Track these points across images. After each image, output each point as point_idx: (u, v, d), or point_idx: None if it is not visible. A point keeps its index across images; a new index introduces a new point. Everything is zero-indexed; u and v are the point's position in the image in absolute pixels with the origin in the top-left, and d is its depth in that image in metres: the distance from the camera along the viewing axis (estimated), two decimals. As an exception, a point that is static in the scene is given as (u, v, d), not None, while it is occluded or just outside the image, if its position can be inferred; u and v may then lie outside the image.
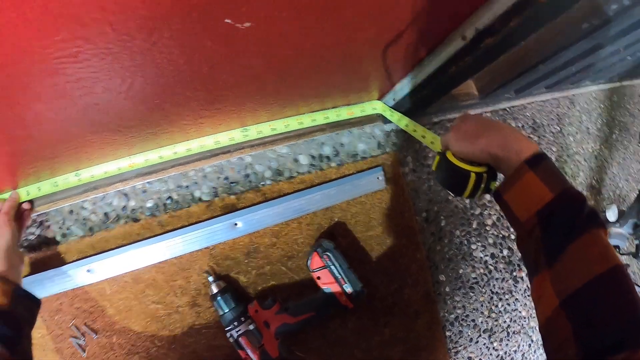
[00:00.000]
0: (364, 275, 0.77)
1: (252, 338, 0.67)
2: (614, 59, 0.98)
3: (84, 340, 0.74)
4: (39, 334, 0.74)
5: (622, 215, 1.03)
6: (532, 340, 0.97)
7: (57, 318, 0.74)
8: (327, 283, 0.69)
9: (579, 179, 1.12)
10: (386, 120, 0.80)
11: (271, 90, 0.63)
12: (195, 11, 0.37)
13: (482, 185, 0.49)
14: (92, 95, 0.47)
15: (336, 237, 0.76)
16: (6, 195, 0.67)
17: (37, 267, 0.73)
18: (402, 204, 0.80)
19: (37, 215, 0.75)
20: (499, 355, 0.92)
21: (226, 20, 0.40)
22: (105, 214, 0.74)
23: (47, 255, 0.73)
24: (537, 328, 0.99)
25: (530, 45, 0.84)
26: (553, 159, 1.06)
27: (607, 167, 1.21)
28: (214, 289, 0.69)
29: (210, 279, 0.70)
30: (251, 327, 0.68)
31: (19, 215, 0.67)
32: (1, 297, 0.53)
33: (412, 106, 0.78)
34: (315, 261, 0.70)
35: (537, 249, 0.40)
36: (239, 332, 0.67)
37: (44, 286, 0.70)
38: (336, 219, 0.76)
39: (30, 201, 0.70)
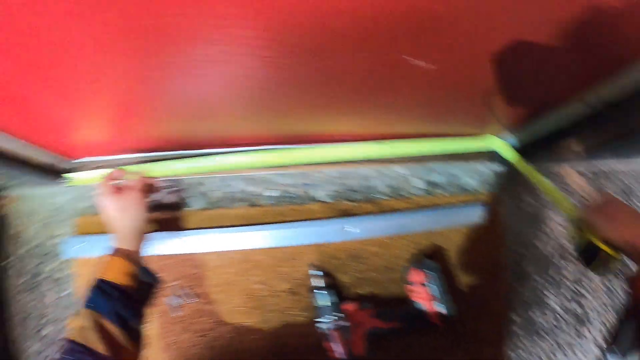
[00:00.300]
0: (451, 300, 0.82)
1: (342, 334, 0.73)
2: None
3: (180, 301, 0.81)
4: None
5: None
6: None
7: (160, 275, 0.81)
8: (422, 299, 0.75)
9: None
10: (497, 160, 0.85)
11: (412, 117, 0.69)
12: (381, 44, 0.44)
13: (610, 266, 0.54)
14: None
15: (432, 258, 0.81)
16: (134, 169, 0.69)
17: (156, 225, 0.80)
18: (495, 241, 0.85)
19: (169, 179, 0.82)
20: (548, 404, 0.95)
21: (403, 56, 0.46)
22: (230, 193, 0.81)
23: (167, 217, 0.80)
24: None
25: None
26: None
27: None
28: (317, 282, 0.75)
29: (315, 272, 0.76)
30: (344, 323, 0.74)
31: (149, 190, 0.68)
32: (128, 278, 0.55)
33: (522, 153, 0.82)
34: (416, 276, 0.75)
35: None
36: (332, 326, 0.73)
37: (157, 245, 0.76)
38: (437, 242, 0.81)
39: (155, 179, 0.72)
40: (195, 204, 0.82)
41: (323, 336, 0.75)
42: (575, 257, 0.83)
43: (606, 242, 0.54)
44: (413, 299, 0.76)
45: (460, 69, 0.55)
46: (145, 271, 0.60)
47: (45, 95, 0.55)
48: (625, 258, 0.54)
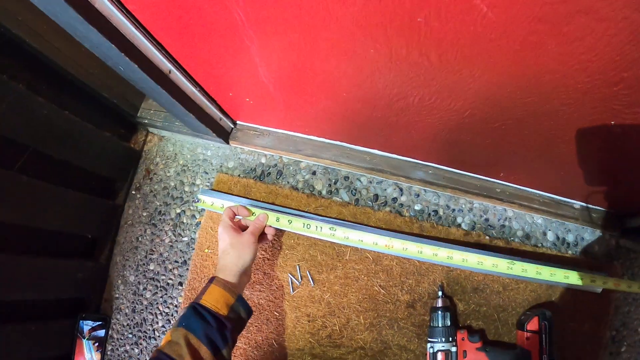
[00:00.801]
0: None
1: (449, 358, 0.75)
2: None
3: (299, 282, 0.83)
4: (261, 255, 0.84)
5: None
6: None
7: (287, 253, 0.84)
8: (531, 346, 0.76)
9: None
10: (627, 236, 0.88)
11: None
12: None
13: None
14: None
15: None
16: (254, 216, 0.76)
17: (294, 204, 0.83)
18: (603, 315, 0.87)
19: (318, 165, 0.85)
20: None
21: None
22: (376, 195, 0.84)
23: (309, 200, 0.83)
24: None
25: None
26: None
27: None
28: (440, 303, 0.77)
29: (440, 293, 0.78)
30: (452, 349, 0.76)
31: (262, 237, 0.75)
32: (223, 306, 0.60)
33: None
34: (533, 324, 0.77)
35: None
36: (440, 348, 0.75)
37: (293, 222, 0.79)
38: (552, 297, 0.83)
39: (271, 228, 0.78)
40: (338, 195, 0.84)
41: (428, 355, 0.76)
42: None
43: None
44: (523, 346, 0.78)
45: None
46: (241, 303, 0.64)
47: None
48: None
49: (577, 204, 0.85)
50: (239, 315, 0.63)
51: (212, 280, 0.63)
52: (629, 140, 0.54)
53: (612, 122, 0.51)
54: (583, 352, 0.85)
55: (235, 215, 0.75)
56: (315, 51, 0.53)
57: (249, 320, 0.82)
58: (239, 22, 0.50)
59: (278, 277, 0.84)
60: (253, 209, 0.77)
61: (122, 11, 0.53)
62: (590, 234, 0.87)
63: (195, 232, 0.87)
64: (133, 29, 0.56)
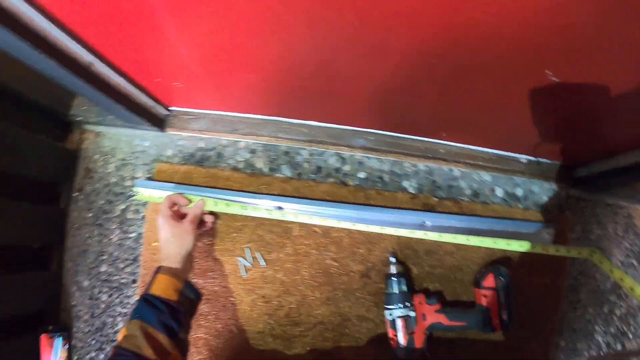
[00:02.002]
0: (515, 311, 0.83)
1: (408, 323, 0.74)
2: None
3: (250, 264, 0.82)
4: (209, 241, 0.83)
5: None
6: None
7: (235, 236, 0.83)
8: (489, 303, 0.76)
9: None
10: (574, 186, 0.88)
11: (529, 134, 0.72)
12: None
13: None
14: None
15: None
16: (195, 201, 0.76)
17: (236, 186, 0.81)
18: (560, 264, 0.86)
19: (256, 143, 0.84)
20: None
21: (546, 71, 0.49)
22: (318, 167, 0.82)
23: (250, 179, 0.82)
24: None
25: None
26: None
27: None
28: (393, 269, 0.77)
29: (393, 259, 0.77)
30: (412, 314, 0.75)
31: (202, 223, 0.76)
32: (171, 293, 0.62)
33: (597, 183, 0.85)
34: (489, 280, 0.76)
35: None
36: (398, 315, 0.74)
37: (238, 205, 0.79)
38: (507, 253, 0.83)
39: (214, 214, 0.79)
40: (280, 171, 0.83)
41: (387, 323, 0.75)
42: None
43: None
44: (481, 303, 0.77)
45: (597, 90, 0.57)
46: (189, 287, 0.66)
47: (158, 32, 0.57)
48: None
49: (524, 157, 0.85)
50: (189, 298, 0.65)
51: (158, 270, 0.64)
52: (566, 89, 0.54)
53: (548, 71, 0.51)
54: (543, 304, 0.85)
55: (175, 204, 0.74)
56: (233, 25, 0.51)
57: (207, 309, 0.81)
58: (151, 3, 0.49)
59: (229, 262, 0.82)
60: (191, 196, 0.76)
61: (33, 6, 0.51)
62: (539, 187, 0.86)
63: (141, 227, 0.85)
64: (46, 23, 0.54)
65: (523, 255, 0.84)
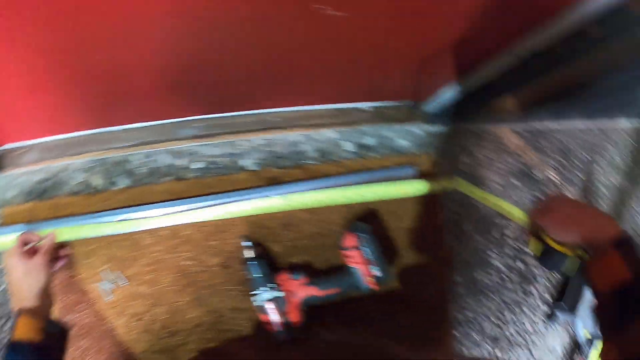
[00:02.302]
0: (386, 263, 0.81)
1: (278, 305, 0.71)
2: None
3: (112, 285, 0.78)
4: (69, 274, 0.78)
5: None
6: (531, 356, 1.00)
7: (90, 261, 0.78)
8: (356, 263, 0.73)
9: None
10: (429, 122, 0.85)
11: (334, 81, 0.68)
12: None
13: (572, 265, 0.55)
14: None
15: (368, 223, 0.79)
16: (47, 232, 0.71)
17: (79, 210, 0.77)
18: (433, 203, 0.84)
19: (87, 161, 0.79)
20: (499, 363, 0.95)
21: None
22: (153, 169, 0.78)
23: (90, 200, 0.77)
24: (539, 344, 1.00)
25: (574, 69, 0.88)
26: (577, 184, 1.09)
27: (629, 204, 1.24)
28: (248, 254, 0.73)
29: (246, 243, 0.74)
30: (278, 294, 0.71)
31: (56, 256, 0.72)
32: (34, 333, 0.59)
33: (452, 112, 0.82)
34: (350, 240, 0.74)
35: (611, 319, 0.46)
36: (266, 298, 0.71)
37: (83, 229, 0.74)
38: (370, 205, 0.80)
39: (67, 245, 0.75)
40: (120, 183, 0.78)
41: (259, 308, 0.72)
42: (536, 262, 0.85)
43: (561, 243, 0.55)
44: (348, 264, 0.74)
45: (378, 19, 0.53)
46: (52, 323, 0.63)
47: None
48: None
49: (366, 105, 0.81)
50: (55, 333, 0.63)
51: (18, 313, 0.62)
52: (343, 22, 0.49)
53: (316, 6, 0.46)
54: (427, 246, 0.83)
55: (26, 243, 0.70)
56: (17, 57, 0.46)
57: (87, 344, 0.77)
58: None
59: (93, 290, 0.78)
60: (43, 232, 0.72)
61: None
62: (391, 131, 0.83)
63: (2, 278, 0.80)
64: None
65: (389, 203, 0.81)
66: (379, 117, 0.81)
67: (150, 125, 0.76)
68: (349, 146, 0.80)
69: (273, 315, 0.71)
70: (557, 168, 1.05)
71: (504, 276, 0.94)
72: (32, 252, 0.69)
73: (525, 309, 0.98)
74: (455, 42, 0.62)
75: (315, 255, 0.77)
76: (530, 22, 0.57)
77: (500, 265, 0.94)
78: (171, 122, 0.76)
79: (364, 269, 0.74)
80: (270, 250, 0.76)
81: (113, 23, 0.45)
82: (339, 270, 0.76)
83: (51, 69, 0.53)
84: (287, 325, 0.72)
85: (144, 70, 0.58)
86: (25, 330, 0.59)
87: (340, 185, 0.77)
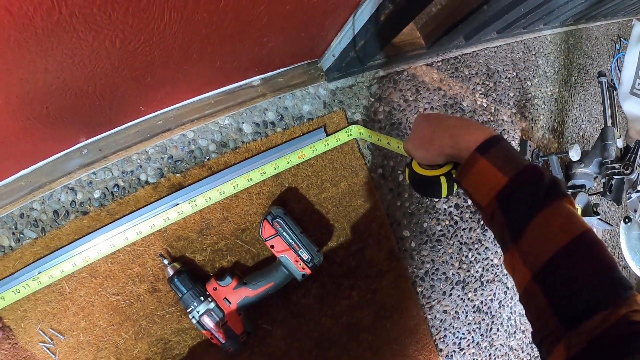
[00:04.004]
0: (321, 239, 0.76)
1: (214, 316, 0.66)
2: (565, 1, 0.97)
3: (52, 343, 0.72)
4: (9, 344, 0.73)
5: (586, 155, 1.04)
6: (507, 288, 0.98)
7: (24, 325, 0.72)
8: (282, 251, 0.68)
9: (540, 123, 1.12)
10: (330, 79, 0.79)
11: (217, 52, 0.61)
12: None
13: (455, 181, 0.50)
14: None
15: (289, 203, 0.75)
16: None
17: None
18: (354, 162, 0.79)
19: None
20: (474, 305, 0.92)
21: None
22: (55, 212, 0.72)
23: (2, 263, 0.71)
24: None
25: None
26: (510, 104, 1.05)
27: (568, 109, 1.21)
28: (170, 272, 0.68)
29: (165, 261, 0.68)
30: (211, 305, 0.67)
31: None
32: None
33: (353, 60, 0.76)
34: (267, 229, 0.69)
35: (501, 229, 0.42)
36: (200, 313, 0.66)
37: (6, 295, 0.69)
38: (287, 185, 0.75)
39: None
40: (26, 237, 0.72)
41: (196, 325, 0.67)
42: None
43: (429, 166, 0.51)
44: (276, 254, 0.69)
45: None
46: None
47: None
48: None
49: (256, 79, 0.75)
50: None
51: None
52: None
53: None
54: (361, 208, 0.79)
55: None
56: None
57: None
58: None
59: (35, 354, 0.72)
60: None
61: None
62: (291, 100, 0.77)
63: None
64: None
65: (305, 176, 0.76)
66: (273, 87, 0.75)
67: (37, 167, 0.70)
68: (247, 128, 0.74)
69: (213, 329, 0.66)
70: (484, 92, 1.01)
71: (456, 217, 0.91)
72: None
73: (486, 243, 0.95)
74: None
75: (243, 254, 0.72)
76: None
77: (448, 208, 0.90)
78: (55, 158, 0.70)
79: (292, 255, 0.69)
80: (194, 261, 0.71)
81: None
82: (269, 263, 0.71)
83: None
84: (228, 335, 0.67)
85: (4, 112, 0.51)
86: None
87: (247, 171, 0.72)
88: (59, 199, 0.72)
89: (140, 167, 0.71)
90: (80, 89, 0.53)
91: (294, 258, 0.69)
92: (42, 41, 0.39)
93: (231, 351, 0.68)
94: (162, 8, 0.43)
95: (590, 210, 1.05)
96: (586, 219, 1.00)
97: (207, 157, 0.72)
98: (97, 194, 0.71)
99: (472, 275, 0.92)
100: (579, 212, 1.01)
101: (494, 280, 0.95)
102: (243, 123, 0.74)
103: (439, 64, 0.94)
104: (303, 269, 0.69)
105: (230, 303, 0.68)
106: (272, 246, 0.69)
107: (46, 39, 0.38)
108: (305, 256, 0.68)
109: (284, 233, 0.68)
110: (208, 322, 0.66)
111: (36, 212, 0.72)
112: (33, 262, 0.71)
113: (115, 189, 0.71)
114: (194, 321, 0.67)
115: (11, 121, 0.53)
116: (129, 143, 0.71)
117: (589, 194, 1.10)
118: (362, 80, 0.84)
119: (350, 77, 0.82)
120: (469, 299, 0.91)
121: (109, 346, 0.72)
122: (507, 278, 0.97)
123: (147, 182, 0.71)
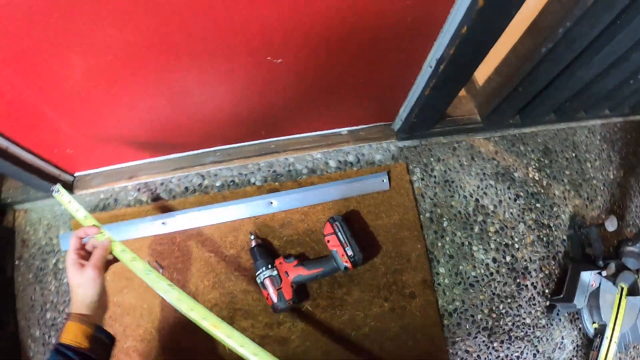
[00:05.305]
0: (370, 254, 0.95)
1: (274, 281, 0.88)
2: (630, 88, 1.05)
3: (160, 271, 0.99)
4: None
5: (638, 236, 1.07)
6: (537, 351, 1.02)
7: (139, 254, 1.01)
8: (334, 246, 0.90)
9: (596, 203, 1.18)
10: (400, 139, 1.02)
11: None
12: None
13: None
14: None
15: (350, 220, 0.96)
16: (102, 235, 0.71)
17: (131, 217, 1.02)
18: (407, 203, 0.99)
19: (137, 184, 1.05)
20: (499, 356, 0.99)
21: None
22: (186, 187, 1.03)
23: (138, 211, 1.02)
24: (544, 340, 1.02)
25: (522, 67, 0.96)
26: (565, 181, 1.13)
27: (632, 195, 1.24)
28: (253, 243, 0.93)
29: (252, 237, 0.94)
30: (274, 273, 0.89)
31: (109, 262, 0.73)
32: (83, 339, 0.60)
33: (415, 126, 0.98)
34: (327, 228, 0.91)
35: None
36: (265, 276, 0.89)
37: (134, 231, 0.98)
38: (352, 207, 0.97)
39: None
40: (163, 196, 1.04)
41: (260, 285, 0.90)
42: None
43: None
44: (329, 248, 0.91)
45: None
46: (101, 331, 0.65)
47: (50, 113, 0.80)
48: None
49: (344, 130, 1.01)
50: (101, 342, 0.65)
51: (68, 316, 0.64)
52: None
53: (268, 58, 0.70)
54: (406, 239, 0.97)
55: (83, 239, 0.72)
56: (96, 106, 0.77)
57: (129, 321, 0.97)
58: (38, 102, 0.73)
59: (137, 277, 0.99)
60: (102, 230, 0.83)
61: None
62: (368, 149, 1.01)
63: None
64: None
65: (367, 204, 0.97)
66: (356, 138, 1.01)
67: (184, 155, 1.03)
68: (332, 163, 1.00)
69: (270, 290, 0.88)
70: (538, 167, 1.14)
71: (492, 269, 1.03)
72: (86, 254, 0.71)
73: (520, 302, 1.03)
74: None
75: (308, 248, 0.95)
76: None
77: (486, 259, 1.02)
78: (198, 153, 1.02)
79: (340, 250, 0.90)
80: (272, 244, 0.95)
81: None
82: (324, 255, 0.93)
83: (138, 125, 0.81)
84: (279, 299, 0.88)
85: (190, 125, 0.85)
86: (72, 335, 0.60)
87: (327, 192, 0.96)
88: (191, 180, 1.02)
89: (252, 172, 1.00)
90: (254, 111, 0.84)
91: (341, 253, 0.89)
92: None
93: (279, 310, 0.88)
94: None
95: (637, 290, 1.06)
96: (630, 299, 1.03)
97: (299, 177, 0.99)
98: (218, 183, 1.01)
99: (501, 327, 1.00)
100: (625, 291, 1.03)
101: (523, 338, 1.02)
102: (330, 159, 1.00)
103: (496, 138, 1.11)
104: (346, 262, 0.89)
105: (288, 275, 0.90)
106: (328, 241, 0.91)
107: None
108: (350, 253, 0.89)
109: (339, 233, 0.90)
110: (269, 284, 0.88)
111: (173, 184, 1.03)
112: (158, 215, 1.01)
113: (232, 183, 1.00)
114: (258, 281, 0.90)
115: (189, 129, 0.86)
116: (248, 155, 1.01)
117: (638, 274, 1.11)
118: (426, 144, 1.05)
119: (416, 140, 1.04)
120: (494, 348, 0.99)
121: (191, 287, 0.96)
122: (538, 341, 1.02)
123: (254, 184, 0.99)
